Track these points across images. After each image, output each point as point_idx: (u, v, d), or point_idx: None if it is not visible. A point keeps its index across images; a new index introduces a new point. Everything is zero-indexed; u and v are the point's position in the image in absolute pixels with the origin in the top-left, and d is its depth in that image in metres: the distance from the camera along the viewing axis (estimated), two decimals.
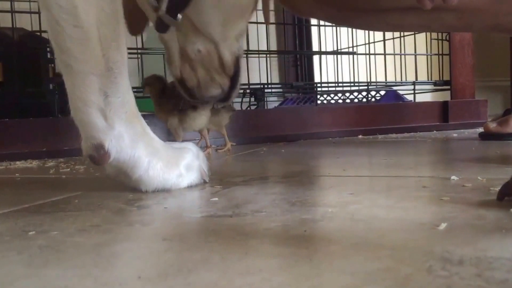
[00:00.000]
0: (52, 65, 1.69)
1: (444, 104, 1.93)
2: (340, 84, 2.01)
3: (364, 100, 2.04)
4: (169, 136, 1.31)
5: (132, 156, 0.66)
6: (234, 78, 0.91)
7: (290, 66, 2.43)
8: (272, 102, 2.21)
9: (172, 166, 0.71)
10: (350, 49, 2.08)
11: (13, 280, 0.35)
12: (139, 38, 1.58)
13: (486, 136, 1.36)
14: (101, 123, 0.62)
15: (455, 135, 1.61)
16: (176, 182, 0.71)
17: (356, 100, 2.05)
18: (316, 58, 2.18)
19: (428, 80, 2.06)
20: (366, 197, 0.57)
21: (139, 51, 1.57)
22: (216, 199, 0.60)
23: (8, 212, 0.59)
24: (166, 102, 1.24)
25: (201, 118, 1.25)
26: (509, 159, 0.98)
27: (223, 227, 0.47)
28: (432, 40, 2.03)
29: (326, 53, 2.08)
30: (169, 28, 0.81)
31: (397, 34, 2.04)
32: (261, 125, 1.62)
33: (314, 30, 2.21)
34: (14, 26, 1.53)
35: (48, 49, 1.65)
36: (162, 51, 1.58)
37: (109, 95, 0.62)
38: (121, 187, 0.72)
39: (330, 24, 1.87)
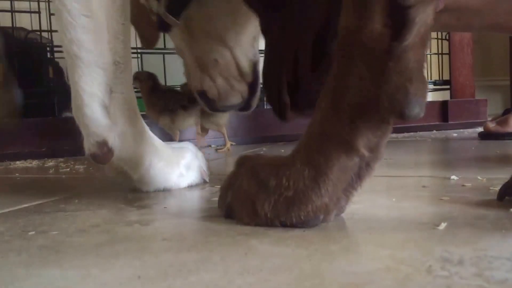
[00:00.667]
0: (52, 68, 1.69)
1: (444, 104, 1.93)
2: None
3: None
4: (166, 136, 1.31)
5: (134, 155, 0.66)
6: (253, 84, 0.91)
7: None
8: None
9: (173, 165, 0.71)
10: None
11: (13, 280, 0.35)
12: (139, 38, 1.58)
13: (486, 135, 1.36)
14: (105, 119, 0.62)
15: (455, 134, 1.61)
16: (177, 182, 0.71)
17: None
18: None
19: (427, 79, 2.06)
20: (366, 197, 0.57)
21: (139, 50, 1.57)
22: (216, 198, 0.60)
23: (8, 212, 0.59)
24: (156, 101, 1.26)
25: (191, 118, 1.27)
26: (509, 159, 0.98)
27: (223, 227, 0.47)
28: (431, 40, 2.03)
29: None
30: (171, 27, 0.81)
31: None
32: (261, 125, 1.62)
33: None
34: (14, 25, 1.53)
35: (48, 49, 1.65)
36: (162, 51, 1.58)
37: (114, 90, 0.62)
38: (120, 187, 0.72)
39: None
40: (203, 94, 0.92)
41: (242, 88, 0.91)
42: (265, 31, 0.64)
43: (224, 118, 1.32)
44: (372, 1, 0.40)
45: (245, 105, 0.93)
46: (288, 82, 0.60)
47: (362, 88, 0.42)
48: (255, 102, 0.94)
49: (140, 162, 0.67)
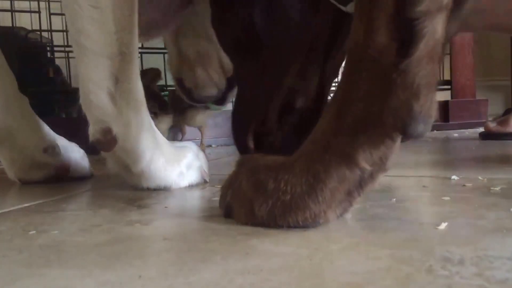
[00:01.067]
0: (53, 68, 1.69)
1: (445, 104, 1.93)
2: None
3: None
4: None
5: (136, 146, 0.66)
6: (231, 79, 0.93)
7: None
8: None
9: (174, 163, 0.71)
10: None
11: (13, 280, 0.35)
12: None
13: (487, 135, 1.36)
14: (110, 107, 0.63)
15: (455, 134, 1.61)
16: (177, 181, 0.71)
17: None
18: None
19: None
20: (366, 197, 0.57)
21: (139, 50, 1.57)
22: (217, 198, 0.60)
23: (8, 211, 0.59)
24: None
25: (162, 124, 1.31)
26: (510, 159, 0.98)
27: (224, 226, 0.47)
28: None
29: None
30: None
31: None
32: None
33: None
34: (14, 25, 1.53)
35: (48, 48, 1.65)
36: (162, 50, 1.58)
37: (119, 80, 0.63)
38: (121, 186, 0.72)
39: None
40: (181, 81, 0.96)
41: (220, 80, 0.95)
42: (238, 78, 0.67)
43: (202, 117, 1.36)
44: (378, 13, 0.39)
45: (221, 98, 0.98)
46: (255, 129, 0.64)
47: (367, 102, 0.41)
48: (231, 96, 0.97)
49: (142, 155, 0.67)
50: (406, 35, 0.39)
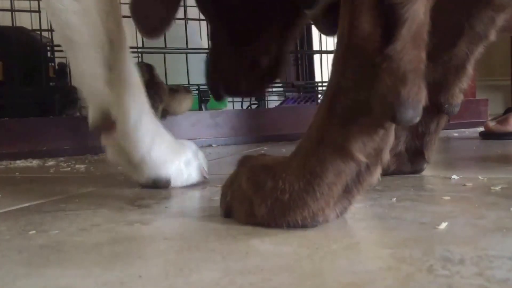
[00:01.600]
0: (52, 64, 1.69)
1: None
2: None
3: None
4: None
5: (136, 130, 0.67)
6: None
7: (291, 65, 2.43)
8: (273, 102, 2.21)
9: (174, 155, 0.71)
10: None
11: (13, 280, 0.35)
12: (139, 37, 1.58)
13: (487, 135, 1.36)
14: (107, 93, 0.64)
15: (455, 134, 1.61)
16: (176, 175, 0.71)
17: None
18: (317, 57, 2.18)
19: None
20: (366, 196, 0.57)
21: (139, 50, 1.57)
22: (217, 198, 0.60)
23: (8, 211, 0.59)
24: None
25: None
26: (510, 158, 0.98)
27: (224, 226, 0.47)
28: None
29: (327, 52, 2.08)
30: None
31: None
32: (262, 124, 1.62)
33: (315, 29, 2.20)
34: (14, 25, 1.53)
35: (48, 47, 1.65)
36: (163, 50, 1.58)
37: (113, 68, 0.63)
38: (121, 186, 0.72)
39: None
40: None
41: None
42: (212, 37, 0.73)
43: (181, 104, 1.34)
44: (361, 0, 0.40)
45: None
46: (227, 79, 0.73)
47: (355, 91, 0.41)
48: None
49: (142, 140, 0.67)
50: (389, 20, 0.39)
